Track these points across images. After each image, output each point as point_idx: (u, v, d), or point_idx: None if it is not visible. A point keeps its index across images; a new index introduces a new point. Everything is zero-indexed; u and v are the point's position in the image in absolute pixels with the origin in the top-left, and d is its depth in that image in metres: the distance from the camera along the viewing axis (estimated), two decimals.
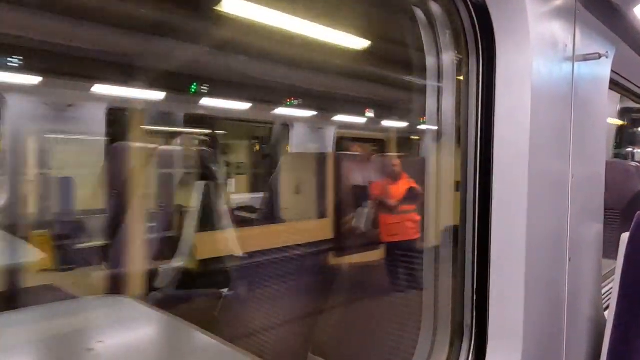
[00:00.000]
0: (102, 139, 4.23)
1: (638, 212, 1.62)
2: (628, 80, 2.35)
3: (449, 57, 1.32)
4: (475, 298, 1.29)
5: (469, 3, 1.21)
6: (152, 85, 4.37)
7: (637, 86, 2.55)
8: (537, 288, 1.32)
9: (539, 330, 1.34)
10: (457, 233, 1.33)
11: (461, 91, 1.29)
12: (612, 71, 2.11)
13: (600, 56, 1.51)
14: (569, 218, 1.47)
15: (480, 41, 1.24)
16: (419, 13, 1.31)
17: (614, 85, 2.40)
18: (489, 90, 1.25)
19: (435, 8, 1.28)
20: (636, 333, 1.51)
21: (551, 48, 1.32)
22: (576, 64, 1.47)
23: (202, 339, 1.63)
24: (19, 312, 1.87)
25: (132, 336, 1.67)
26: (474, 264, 1.30)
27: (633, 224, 1.61)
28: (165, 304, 2.68)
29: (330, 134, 6.69)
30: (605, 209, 1.83)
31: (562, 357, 1.49)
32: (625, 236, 1.57)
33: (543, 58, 1.26)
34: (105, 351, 1.41)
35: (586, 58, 1.52)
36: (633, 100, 3.07)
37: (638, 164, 3.04)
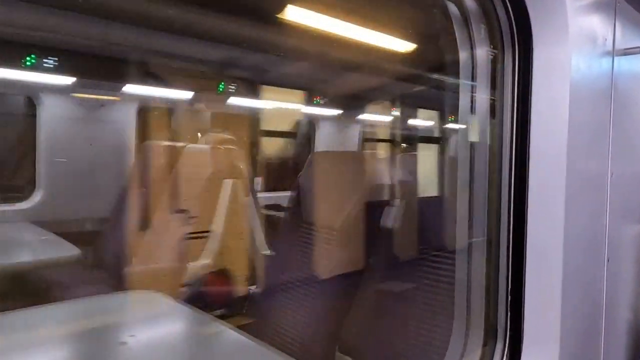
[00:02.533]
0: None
1: None
2: None
3: (483, 53, 1.29)
4: (509, 299, 1.26)
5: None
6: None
7: None
8: (574, 289, 1.28)
9: (576, 333, 1.30)
10: (490, 231, 1.31)
11: (496, 87, 1.26)
12: None
13: None
14: (607, 217, 1.43)
15: (516, 35, 1.21)
16: (452, 8, 1.29)
17: None
18: (525, 85, 1.22)
19: (469, 2, 1.26)
20: None
21: (590, 42, 1.28)
22: (616, 58, 1.42)
23: (231, 334, 1.64)
24: (54, 305, 1.92)
25: (162, 331, 1.70)
26: (508, 263, 1.27)
27: None
28: (193, 300, 2.71)
29: (356, 132, 6.65)
30: None
31: None
32: None
33: (582, 52, 1.23)
34: (138, 345, 1.43)
35: (626, 52, 1.47)
36: None
37: None
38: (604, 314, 1.44)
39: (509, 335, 1.26)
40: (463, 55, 1.31)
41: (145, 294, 2.22)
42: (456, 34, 1.32)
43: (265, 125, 6.13)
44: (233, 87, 4.72)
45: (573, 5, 1.17)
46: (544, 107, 1.20)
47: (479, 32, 1.27)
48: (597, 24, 1.32)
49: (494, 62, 1.27)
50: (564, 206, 1.18)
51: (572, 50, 1.18)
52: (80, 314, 1.77)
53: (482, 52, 1.28)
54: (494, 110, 1.28)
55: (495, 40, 1.25)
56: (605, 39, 1.35)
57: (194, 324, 1.82)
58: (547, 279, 1.20)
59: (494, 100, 1.27)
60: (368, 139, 6.73)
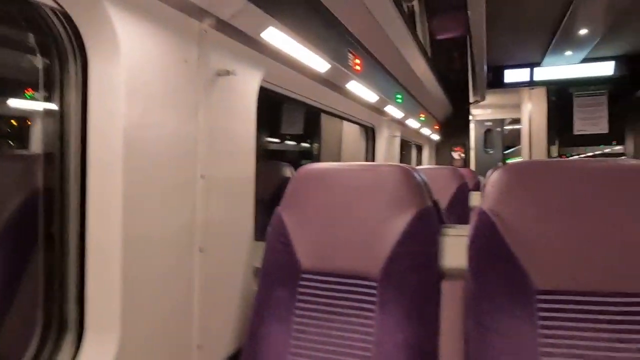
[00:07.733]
0: None
1: (277, 207, 1.92)
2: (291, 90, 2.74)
3: (51, 62, 1.35)
4: (77, 293, 1.37)
5: (57, 12, 1.26)
6: None
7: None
8: (157, 279, 1.46)
9: (155, 320, 1.47)
10: (64, 232, 1.39)
11: (63, 96, 1.34)
12: (273, 84, 2.43)
13: (229, 73, 1.73)
14: (198, 213, 1.65)
15: (75, 49, 1.31)
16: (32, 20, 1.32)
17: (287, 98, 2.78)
18: (84, 97, 1.33)
19: (41, 15, 1.30)
20: (268, 311, 1.78)
21: (156, 62, 1.43)
22: (206, 78, 1.65)
23: None
24: None
25: None
26: (77, 260, 1.37)
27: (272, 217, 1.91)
28: None
29: None
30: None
31: (193, 342, 1.65)
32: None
33: (144, 69, 1.38)
34: None
35: (219, 73, 1.72)
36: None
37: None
38: (195, 298, 1.66)
39: (77, 325, 1.37)
40: (39, 61, 1.36)
41: None
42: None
43: None
44: None
45: (127, 30, 1.30)
46: (99, 119, 1.33)
47: (49, 41, 1.32)
48: (171, 47, 1.49)
49: (61, 71, 1.34)
50: (121, 204, 1.32)
51: (128, 72, 1.31)
52: None
53: (51, 61, 1.35)
54: (63, 118, 1.35)
55: (59, 51, 1.32)
56: (186, 61, 1.56)
57: None
58: (106, 274, 1.33)
59: (62, 108, 1.35)
60: None
